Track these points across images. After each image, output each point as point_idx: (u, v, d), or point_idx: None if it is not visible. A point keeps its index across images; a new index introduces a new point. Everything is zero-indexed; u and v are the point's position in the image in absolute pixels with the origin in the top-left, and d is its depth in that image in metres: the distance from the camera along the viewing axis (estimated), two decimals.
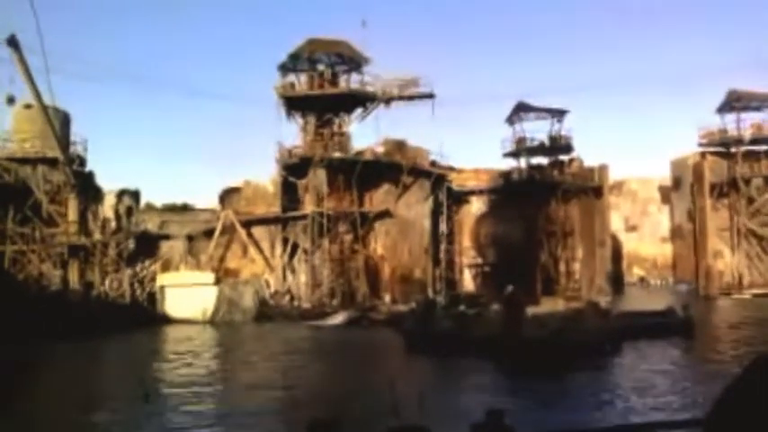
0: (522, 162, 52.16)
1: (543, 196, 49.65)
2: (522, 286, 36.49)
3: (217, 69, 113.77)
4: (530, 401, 14.64)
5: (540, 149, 51.47)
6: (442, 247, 47.74)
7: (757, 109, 51.84)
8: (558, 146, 50.95)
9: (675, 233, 56.67)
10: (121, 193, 43.01)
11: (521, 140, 51.57)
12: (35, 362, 24.52)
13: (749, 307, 42.27)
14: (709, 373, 19.18)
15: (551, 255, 50.27)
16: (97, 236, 40.42)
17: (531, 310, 27.23)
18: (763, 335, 28.20)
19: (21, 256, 38.26)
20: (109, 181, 44.04)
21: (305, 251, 42.53)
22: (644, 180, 67.44)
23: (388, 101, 44.51)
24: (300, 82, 44.96)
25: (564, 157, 51.54)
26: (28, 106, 38.51)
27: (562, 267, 50.59)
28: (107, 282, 39.87)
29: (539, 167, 51.88)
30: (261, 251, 43.28)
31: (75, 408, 16.26)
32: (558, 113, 50.95)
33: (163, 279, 40.64)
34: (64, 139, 40.05)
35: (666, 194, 59.93)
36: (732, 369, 19.21)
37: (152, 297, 40.50)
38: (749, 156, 51.03)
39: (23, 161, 39.38)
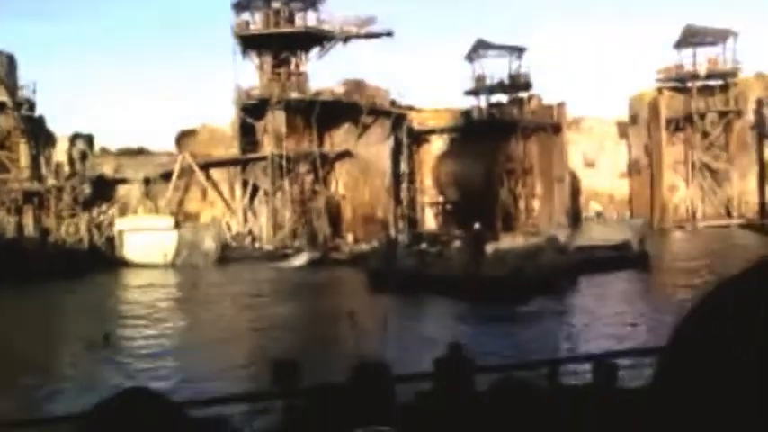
0: (482, 100, 52.11)
1: (503, 134, 49.78)
2: (483, 223, 36.98)
3: (172, 8, 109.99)
4: (489, 336, 14.96)
5: (499, 87, 51.37)
6: (404, 186, 47.82)
7: (712, 44, 52.26)
8: (518, 84, 50.88)
9: (632, 168, 57.50)
10: (75, 138, 41.90)
11: (480, 78, 51.36)
12: None
13: (701, 238, 43.51)
14: (661, 303, 19.79)
15: (511, 192, 50.75)
16: (51, 181, 39.49)
17: (491, 246, 27.66)
18: (714, 265, 29.10)
19: None
20: (61, 126, 42.90)
21: (265, 193, 42.22)
22: (602, 117, 67.93)
23: (345, 39, 43.77)
24: (256, 20, 43.82)
25: (523, 95, 51.55)
26: None
27: (522, 204, 51.17)
28: (63, 227, 39.17)
29: (498, 105, 51.87)
30: (220, 194, 42.84)
31: (32, 351, 16.12)
32: (518, 51, 50.73)
33: (121, 224, 40.04)
34: (11, 84, 38.65)
35: (624, 130, 60.47)
36: (684, 298, 19.85)
37: (110, 242, 39.97)
38: (704, 91, 51.65)
39: None
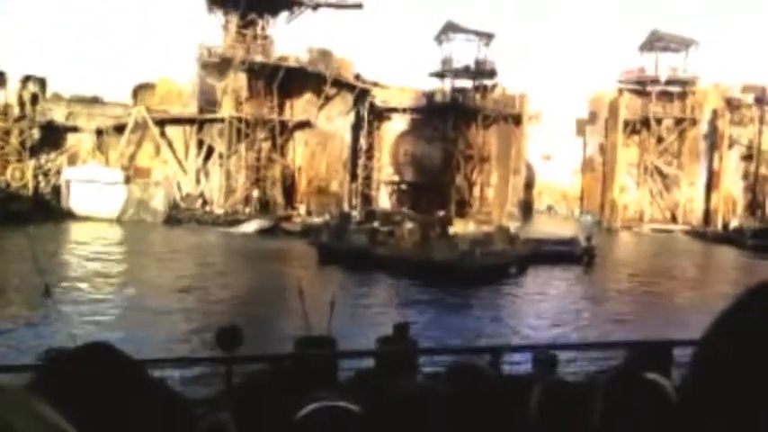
0: (447, 84, 52.05)
1: (464, 120, 49.93)
2: (438, 207, 37.22)
3: None
4: (434, 317, 15.05)
5: (464, 72, 51.38)
6: (361, 162, 47.65)
7: (676, 51, 53.15)
8: (483, 70, 50.97)
9: (586, 166, 58.41)
10: (26, 80, 40.45)
11: (447, 61, 51.28)
12: None
13: (646, 241, 44.56)
14: (600, 297, 20.23)
15: (467, 178, 51.03)
16: None
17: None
18: (653, 267, 29.86)
19: None
20: (14, 67, 41.38)
21: (220, 155, 41.57)
22: (562, 112, 68.75)
23: (315, 6, 43.13)
24: None
25: (487, 83, 51.70)
26: None
27: (476, 191, 51.53)
28: (8, 171, 37.96)
29: (462, 90, 51.90)
30: (174, 152, 42.00)
31: None
32: (486, 37, 50.77)
33: (69, 173, 38.95)
34: None
35: (582, 127, 61.28)
36: (622, 297, 20.32)
37: (57, 191, 38.89)
38: (663, 96, 52.58)
39: None
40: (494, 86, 51.82)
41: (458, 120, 49.47)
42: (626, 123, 52.20)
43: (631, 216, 52.55)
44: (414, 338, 9.18)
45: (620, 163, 52.28)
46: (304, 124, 43.33)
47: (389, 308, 16.55)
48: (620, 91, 53.29)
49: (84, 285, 17.47)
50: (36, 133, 38.91)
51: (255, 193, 41.38)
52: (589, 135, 57.83)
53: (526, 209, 55.32)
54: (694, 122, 51.75)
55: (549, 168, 66.82)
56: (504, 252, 26.14)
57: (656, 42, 52.40)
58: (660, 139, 52.68)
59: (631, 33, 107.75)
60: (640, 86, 53.06)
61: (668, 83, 52.62)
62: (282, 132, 42.65)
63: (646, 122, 52.54)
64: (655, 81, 52.36)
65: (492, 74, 51.15)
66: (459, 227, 31.74)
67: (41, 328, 13.27)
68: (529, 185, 59.62)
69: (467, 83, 52.03)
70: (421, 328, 12.10)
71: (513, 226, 35.64)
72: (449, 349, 9.29)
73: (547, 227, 44.43)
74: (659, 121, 52.42)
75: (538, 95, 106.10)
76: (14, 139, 38.20)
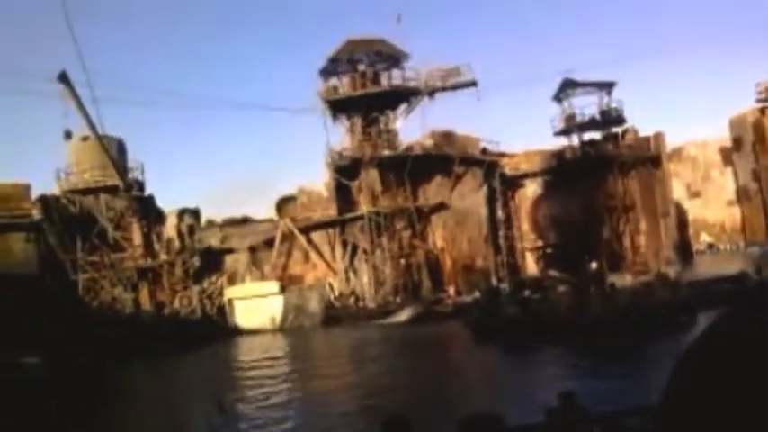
0: (575, 139, 51.24)
1: (600, 172, 48.63)
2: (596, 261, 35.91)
3: (257, 82, 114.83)
4: (601, 382, 14.44)
5: (591, 124, 50.39)
6: (501, 233, 47.33)
7: None
8: (610, 118, 49.80)
9: (741, 195, 54.84)
10: (182, 213, 44.03)
11: (570, 117, 50.60)
12: (112, 384, 25.34)
13: None
14: None
15: (614, 230, 49.24)
16: (163, 256, 41.52)
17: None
18: None
19: (93, 284, 39.63)
20: (169, 202, 45.18)
21: (365, 251, 42.76)
22: (703, 143, 65.42)
23: (431, 93, 44.38)
24: (343, 84, 45.19)
25: (617, 130, 50.39)
26: (85, 138, 39.84)
27: (627, 242, 49.50)
28: (177, 300, 40.93)
29: (592, 143, 50.84)
30: (321, 255, 43.72)
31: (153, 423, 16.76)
32: (607, 86, 49.82)
33: (230, 292, 41.50)
34: (121, 166, 41.26)
35: (728, 156, 57.97)
36: None
37: (221, 311, 41.37)
38: None
39: (86, 192, 40.77)
40: (624, 132, 50.45)
41: (593, 172, 48.28)
42: None
43: None
44: (584, 405, 8.86)
45: None
46: (439, 206, 43.94)
47: (552, 378, 16.05)
48: (762, 110, 50.23)
49: (256, 398, 18.27)
50: (197, 261, 41.91)
51: (403, 282, 41.97)
52: (737, 162, 54.54)
53: (684, 251, 52.37)
54: None
55: (701, 204, 63.32)
56: (667, 301, 24.76)
57: None
58: None
59: (756, 43, 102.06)
60: None
61: None
62: (420, 218, 43.41)
63: None
64: None
65: (620, 120, 49.89)
66: (615, 281, 30.52)
67: None
68: (682, 226, 56.60)
69: (595, 135, 50.99)
70: (591, 394, 11.65)
71: (672, 271, 33.84)
72: (619, 412, 8.88)
73: (711, 266, 41.73)
74: None
75: (674, 130, 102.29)
76: (179, 270, 41.31)
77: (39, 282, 35.99)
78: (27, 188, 39.09)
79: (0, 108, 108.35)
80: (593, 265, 30.39)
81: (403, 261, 42.50)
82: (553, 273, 39.05)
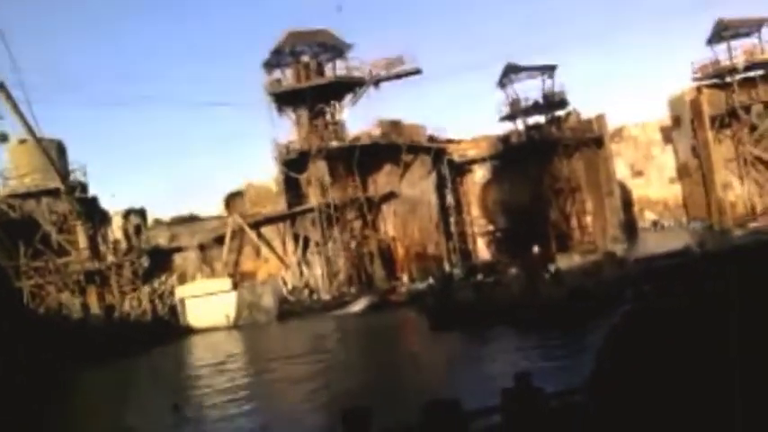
0: (520, 124, 51.87)
1: (545, 155, 49.37)
2: (538, 246, 36.55)
3: (198, 78, 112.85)
4: (555, 361, 14.69)
5: (535, 108, 51.10)
6: (452, 219, 47.70)
7: (747, 35, 51.22)
8: (553, 102, 50.59)
9: (682, 172, 56.28)
10: (128, 213, 43.15)
11: (515, 102, 51.21)
12: (60, 390, 24.76)
13: (766, 234, 42.08)
14: None
15: (561, 211, 50.12)
16: (110, 258, 40.62)
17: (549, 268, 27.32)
18: None
19: (38, 290, 38.50)
20: (113, 203, 44.21)
21: (317, 244, 42.60)
22: (643, 123, 66.94)
23: (376, 83, 44.34)
24: (287, 76, 44.76)
25: (560, 113, 51.24)
26: (22, 141, 38.67)
27: (574, 222, 50.44)
28: (126, 302, 40.12)
29: (536, 127, 51.56)
30: (273, 250, 43.38)
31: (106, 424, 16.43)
32: (549, 69, 50.54)
33: (181, 291, 40.85)
34: (62, 169, 40.16)
35: (668, 134, 59.41)
36: None
37: (173, 310, 40.71)
38: (745, 83, 50.39)
39: (26, 196, 39.56)
40: (567, 115, 51.34)
41: (539, 156, 49.01)
42: (713, 119, 50.27)
43: (742, 213, 49.98)
44: (539, 386, 8.98)
45: (717, 161, 50.20)
46: (389, 195, 44.03)
47: (507, 359, 16.28)
48: (699, 88, 51.55)
49: (210, 396, 18.06)
50: (145, 261, 41.15)
51: (357, 273, 41.96)
52: (677, 139, 55.97)
53: (630, 229, 53.60)
54: None
55: (644, 183, 64.89)
56: (615, 278, 25.32)
57: (723, 32, 50.71)
58: (753, 127, 50.37)
59: (692, 25, 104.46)
60: (718, 79, 51.18)
61: (747, 68, 50.55)
62: (370, 208, 43.44)
63: (733, 114, 50.41)
64: (732, 70, 50.39)
65: (563, 103, 50.74)
66: (563, 261, 31.09)
67: None
68: (627, 205, 57.90)
69: (539, 118, 51.72)
70: (545, 373, 11.83)
71: (619, 249, 34.61)
72: (572, 390, 9.02)
73: (656, 243, 42.81)
74: (747, 109, 50.21)
75: (615, 111, 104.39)
76: (127, 271, 40.47)
77: None
78: None
79: None
80: (536, 249, 30.91)
81: (355, 250, 42.48)
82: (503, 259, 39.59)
